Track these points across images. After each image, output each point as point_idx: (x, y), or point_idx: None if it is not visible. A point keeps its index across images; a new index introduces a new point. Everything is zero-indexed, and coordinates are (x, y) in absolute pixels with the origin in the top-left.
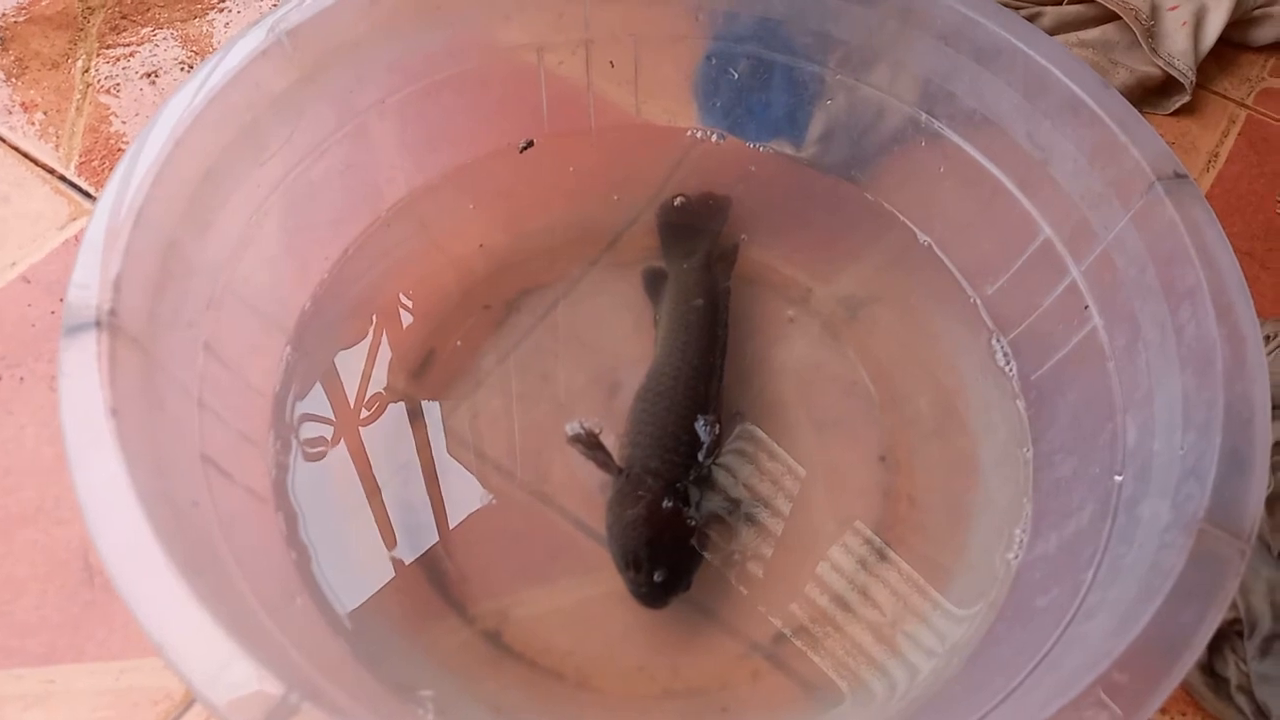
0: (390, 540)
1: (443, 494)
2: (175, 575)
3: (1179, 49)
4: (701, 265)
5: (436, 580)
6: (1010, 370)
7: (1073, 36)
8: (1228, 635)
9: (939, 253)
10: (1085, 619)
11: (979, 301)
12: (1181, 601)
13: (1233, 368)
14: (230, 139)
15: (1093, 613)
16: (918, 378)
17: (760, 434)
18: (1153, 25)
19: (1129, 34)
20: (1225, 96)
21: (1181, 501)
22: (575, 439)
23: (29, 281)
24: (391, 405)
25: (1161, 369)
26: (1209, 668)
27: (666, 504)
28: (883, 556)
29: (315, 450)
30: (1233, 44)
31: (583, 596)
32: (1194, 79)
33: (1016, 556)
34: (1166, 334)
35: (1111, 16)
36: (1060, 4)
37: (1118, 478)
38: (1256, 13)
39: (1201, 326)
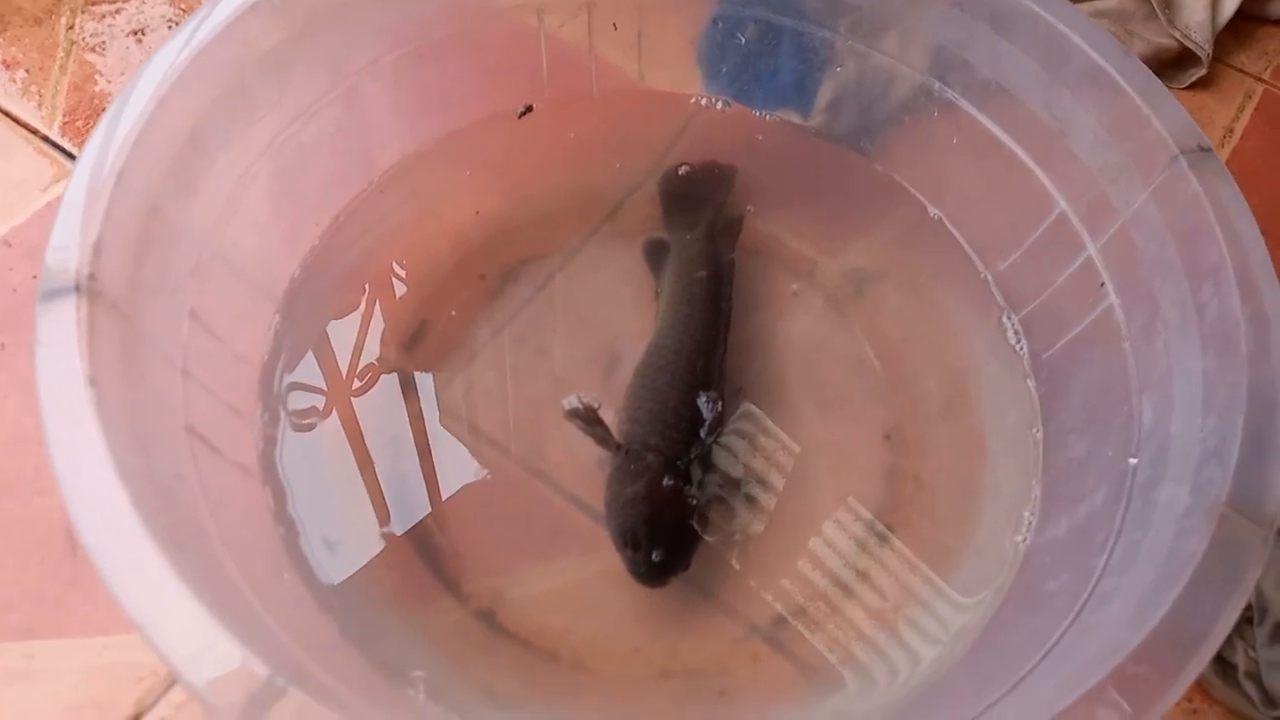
0: (381, 516)
1: (436, 469)
2: (156, 550)
3: (1196, 20)
4: (705, 236)
5: (429, 558)
6: (1021, 349)
7: (1089, 6)
8: (1237, 621)
9: (950, 227)
10: (1098, 606)
11: (990, 278)
12: (1201, 590)
13: (1257, 349)
14: (216, 98)
15: (1106, 599)
16: (925, 355)
17: (762, 411)
18: None
19: (1146, 4)
20: (1242, 71)
21: (1201, 486)
22: (573, 414)
23: (10, 245)
24: (383, 377)
25: (1181, 349)
26: (1217, 654)
27: (667, 482)
28: (886, 539)
29: (304, 423)
30: (1251, 17)
31: (579, 576)
32: (1211, 52)
33: (1025, 539)
34: (1187, 313)
35: None
36: None
37: (1133, 460)
38: None
39: (1224, 306)
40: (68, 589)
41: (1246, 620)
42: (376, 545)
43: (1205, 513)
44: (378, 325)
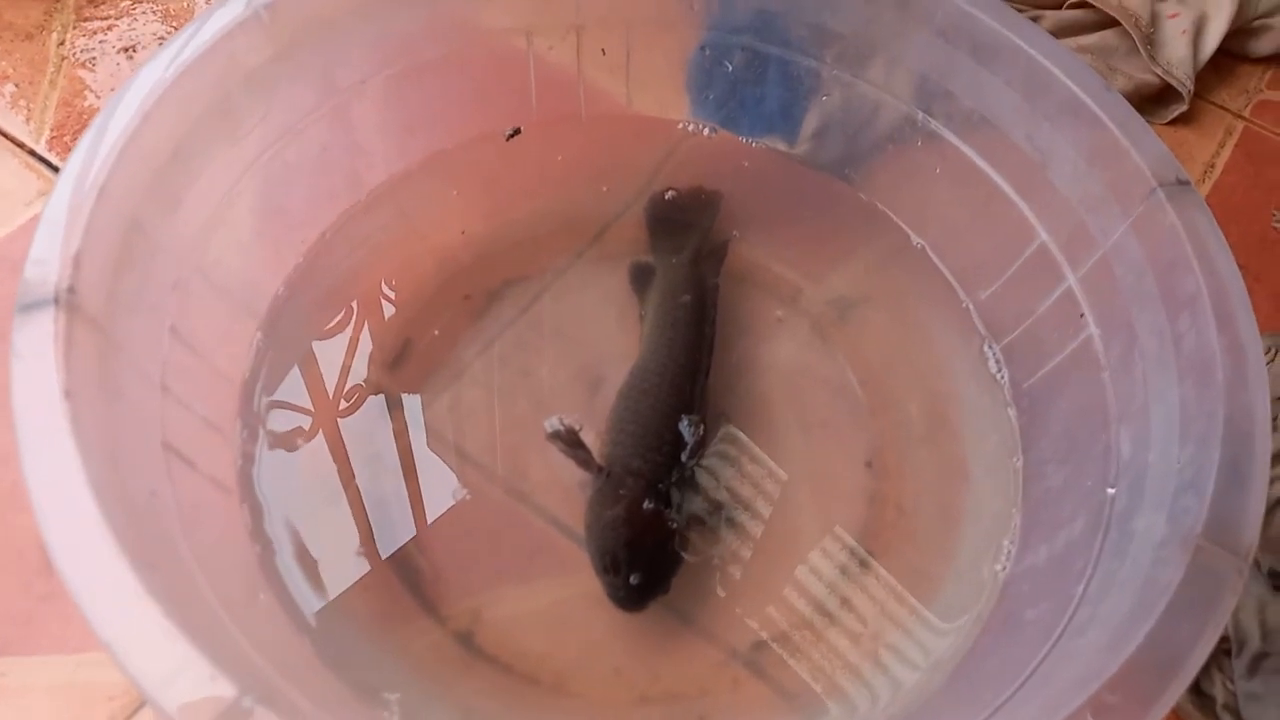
0: (360, 536)
1: (416, 489)
2: (127, 568)
3: (1178, 57)
4: (690, 261)
5: (407, 578)
6: (1002, 377)
7: (1071, 41)
8: (1215, 653)
9: (932, 255)
10: (1076, 634)
11: (972, 306)
12: (1177, 619)
13: (1234, 379)
14: (201, 114)
15: (1084, 628)
16: (907, 382)
17: (745, 435)
18: (1152, 32)
19: (1128, 40)
20: (1223, 107)
21: (1178, 515)
22: (555, 435)
23: None
24: (365, 396)
25: (1159, 379)
26: (1195, 685)
27: (647, 505)
28: (867, 564)
29: (284, 440)
30: (1231, 54)
31: (559, 598)
32: (1192, 88)
33: (1004, 568)
34: (1165, 344)
35: (1111, 22)
36: (1060, 8)
37: (1110, 490)
38: (1256, 23)
39: (1201, 336)
40: (42, 606)
41: (1224, 652)
42: (354, 565)
43: (1181, 542)
44: (361, 344)
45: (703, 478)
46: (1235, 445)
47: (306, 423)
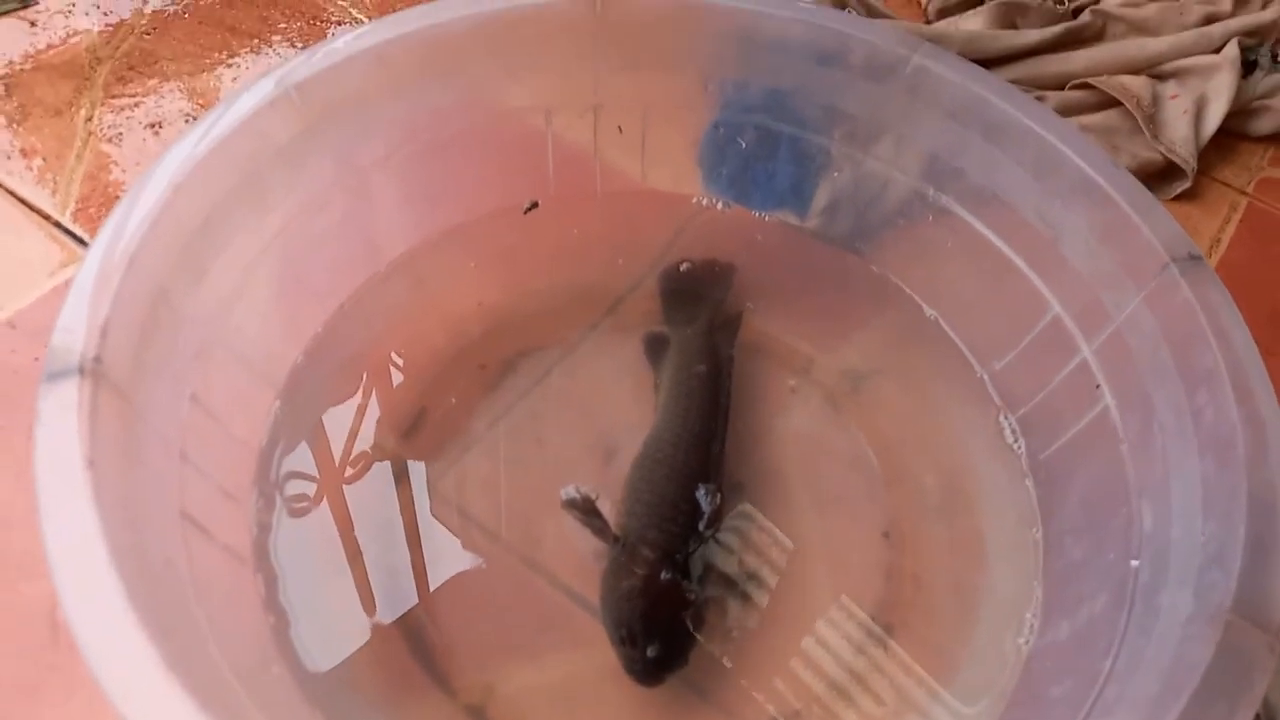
0: (372, 607)
1: (428, 560)
2: (144, 638)
3: (1180, 136)
4: (704, 331)
5: (419, 651)
6: (1019, 448)
7: (1074, 121)
8: None
9: (945, 327)
10: (1103, 714)
11: (986, 378)
12: (1209, 699)
13: (1255, 453)
14: (231, 188)
15: (1111, 708)
16: (923, 453)
17: (759, 508)
18: (1154, 112)
19: (1130, 120)
20: (1226, 184)
21: (1204, 591)
22: (570, 504)
23: (15, 327)
24: (380, 465)
25: (1179, 453)
26: None
27: (664, 576)
28: (884, 641)
29: (299, 509)
30: (1233, 133)
31: (573, 672)
32: (1195, 165)
33: (1027, 642)
34: (1183, 417)
35: (1113, 103)
36: (1062, 89)
37: (1134, 563)
38: (1256, 104)
39: (1220, 410)
40: (47, 678)
41: None
42: (366, 637)
43: (1209, 619)
44: (377, 413)
45: (718, 550)
46: (1259, 520)
47: (321, 493)
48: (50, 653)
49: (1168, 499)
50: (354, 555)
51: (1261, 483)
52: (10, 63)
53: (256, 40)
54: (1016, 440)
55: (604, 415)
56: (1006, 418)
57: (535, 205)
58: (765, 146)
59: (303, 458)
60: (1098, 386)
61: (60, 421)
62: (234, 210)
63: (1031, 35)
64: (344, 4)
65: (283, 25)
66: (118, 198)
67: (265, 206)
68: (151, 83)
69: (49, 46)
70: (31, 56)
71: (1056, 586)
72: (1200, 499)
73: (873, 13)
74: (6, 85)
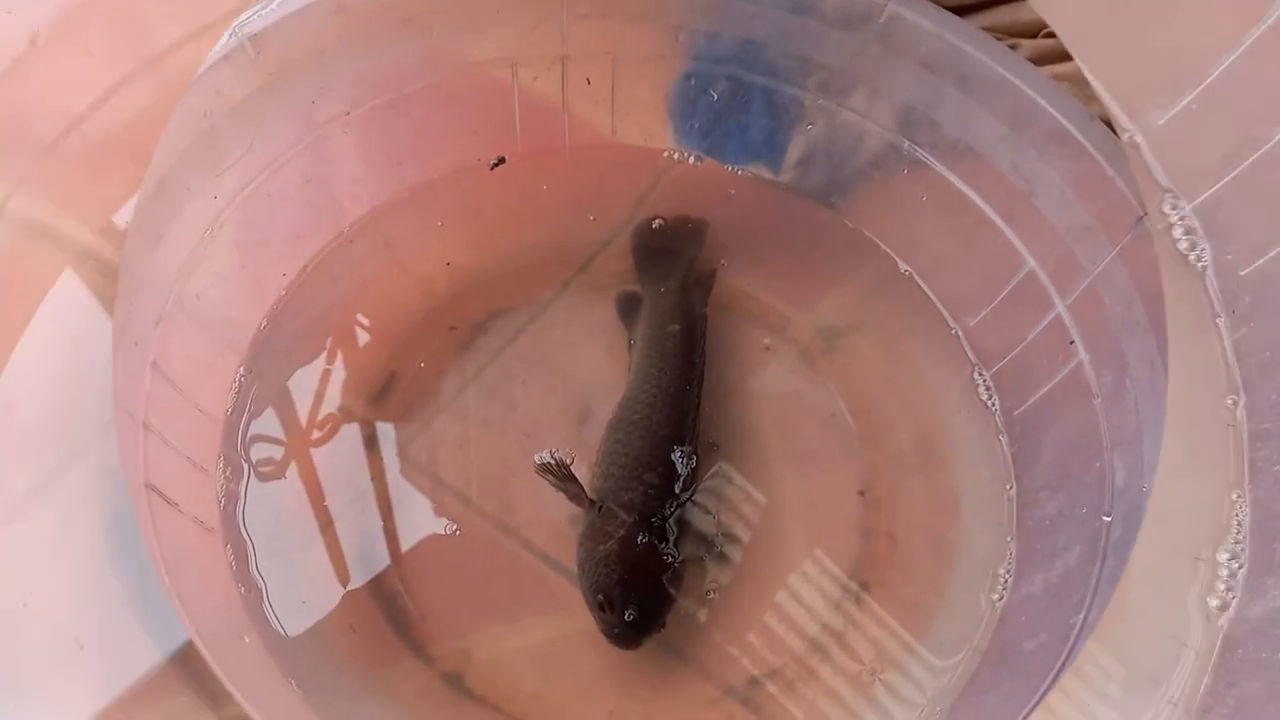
0: (345, 575)
1: (402, 526)
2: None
3: None
4: (678, 290)
5: (394, 618)
6: (993, 405)
7: (1048, 70)
8: None
9: (920, 283)
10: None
11: (961, 334)
12: None
13: None
14: (186, 147)
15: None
16: (898, 410)
17: (735, 467)
18: None
19: None
20: None
21: None
22: (545, 469)
23: None
24: (350, 431)
25: (1150, 407)
26: None
27: (641, 539)
28: (860, 597)
29: (267, 478)
30: None
31: (550, 636)
32: None
33: (1001, 597)
34: (1156, 371)
35: None
36: (1035, 36)
37: (1106, 518)
38: None
39: None
40: None
41: None
42: (340, 605)
43: None
44: (345, 377)
45: (694, 510)
46: None
47: (289, 460)
48: None
49: (1139, 453)
50: (325, 524)
51: None
52: None
53: None
54: (991, 397)
55: (577, 376)
56: (981, 374)
57: (502, 161)
58: (738, 98)
59: (270, 425)
60: (1071, 342)
61: None
62: (190, 171)
63: None
64: None
65: None
66: None
67: (222, 166)
68: None
69: None
70: None
71: (1030, 541)
72: None
73: None
74: None
